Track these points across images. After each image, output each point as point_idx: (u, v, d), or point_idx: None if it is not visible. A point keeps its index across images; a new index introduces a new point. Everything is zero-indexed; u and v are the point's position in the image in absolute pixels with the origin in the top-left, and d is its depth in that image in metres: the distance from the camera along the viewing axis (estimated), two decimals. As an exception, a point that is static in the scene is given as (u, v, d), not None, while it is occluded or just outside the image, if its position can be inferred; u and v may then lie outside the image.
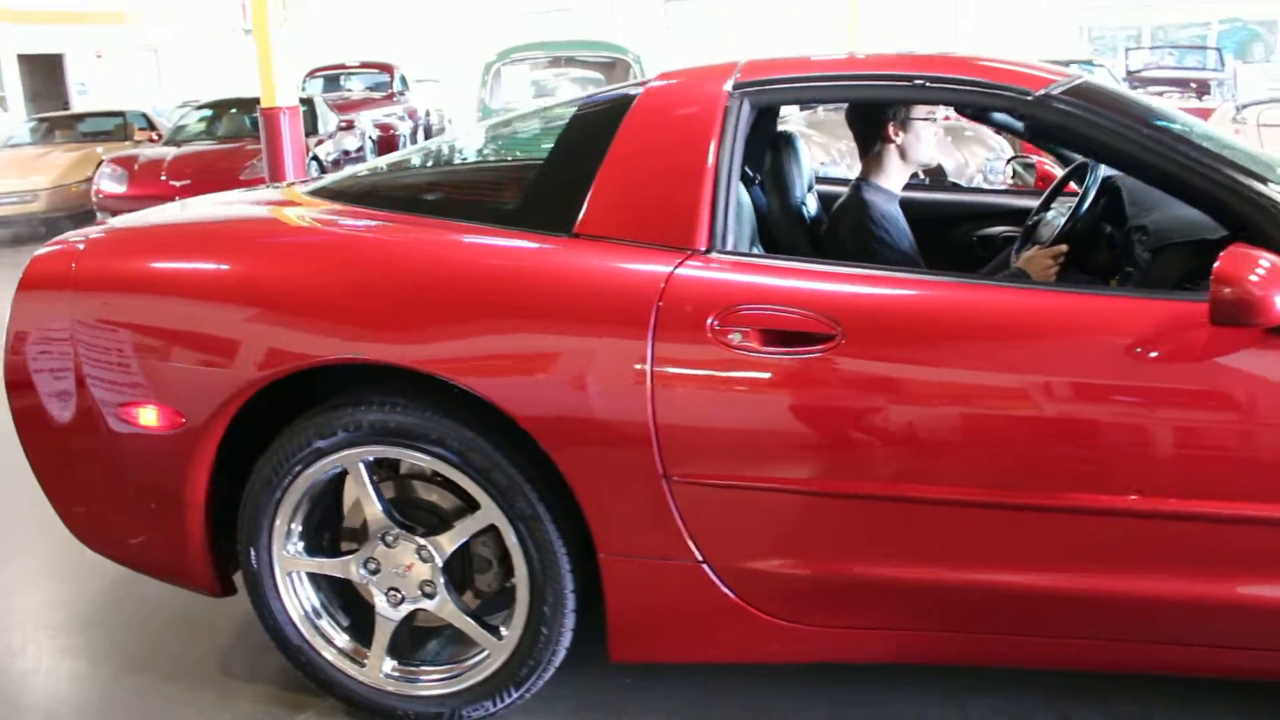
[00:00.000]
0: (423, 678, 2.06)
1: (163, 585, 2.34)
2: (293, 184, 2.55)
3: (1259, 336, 1.63)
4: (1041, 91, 1.90)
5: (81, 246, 2.17)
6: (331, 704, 2.14)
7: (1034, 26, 17.63)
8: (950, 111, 4.08)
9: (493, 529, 1.94)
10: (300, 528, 2.05)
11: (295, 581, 2.08)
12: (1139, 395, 1.68)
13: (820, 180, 3.06)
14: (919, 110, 2.56)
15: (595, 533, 1.86)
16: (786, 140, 2.67)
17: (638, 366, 1.76)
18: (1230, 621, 1.76)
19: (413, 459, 1.94)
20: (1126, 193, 2.45)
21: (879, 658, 1.94)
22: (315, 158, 8.59)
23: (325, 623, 2.08)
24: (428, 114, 14.84)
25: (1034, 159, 3.51)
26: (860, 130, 2.67)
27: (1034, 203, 3.10)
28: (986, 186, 5.61)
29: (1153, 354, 1.66)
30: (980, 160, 6.70)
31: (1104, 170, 2.52)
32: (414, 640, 2.13)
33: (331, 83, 13.76)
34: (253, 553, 2.04)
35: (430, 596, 2.01)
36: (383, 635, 2.04)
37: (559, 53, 8.68)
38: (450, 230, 2.01)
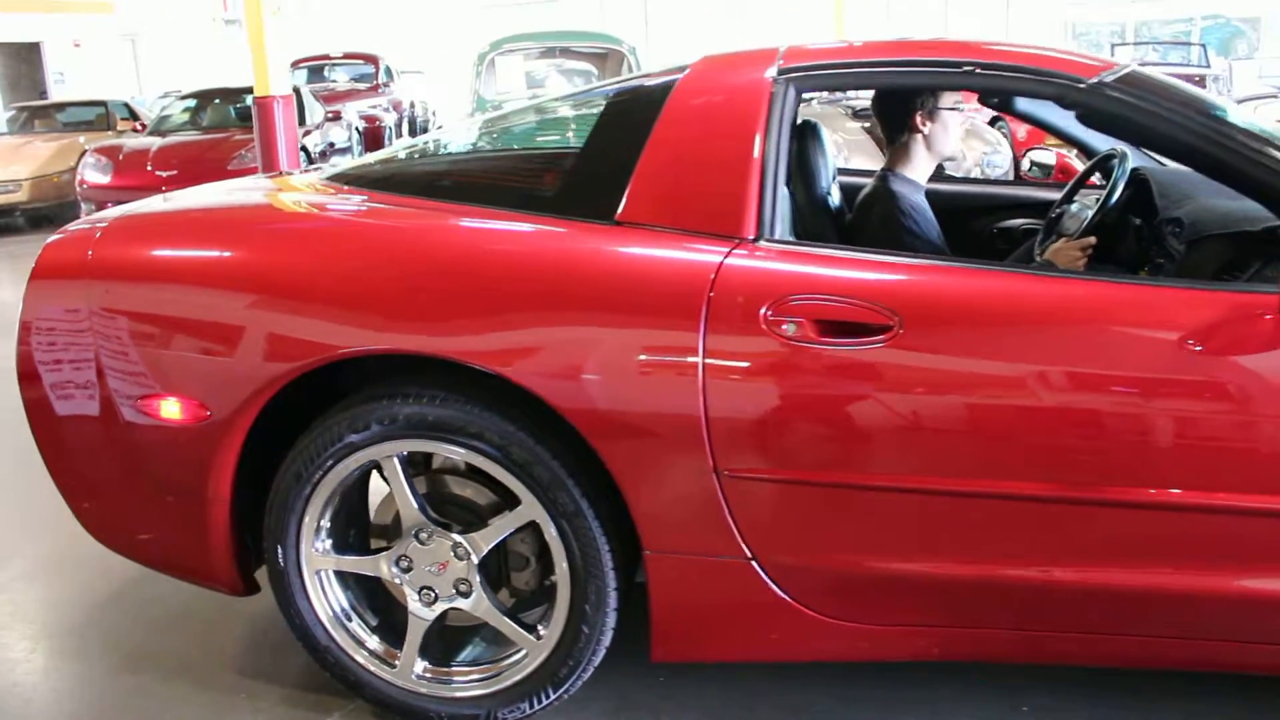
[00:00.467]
0: (456, 678, 2.00)
1: (170, 582, 2.28)
2: (306, 170, 2.48)
3: None
4: (1095, 79, 1.87)
5: (98, 234, 2.09)
6: (360, 705, 2.08)
7: (1019, 23, 17.71)
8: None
9: (531, 525, 1.88)
10: (329, 524, 1.99)
11: (323, 580, 2.01)
12: (1212, 388, 1.64)
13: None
14: (946, 100, 2.53)
15: (641, 529, 1.81)
16: (811, 129, 2.62)
17: (689, 359, 1.71)
18: None
19: (448, 453, 1.87)
20: (1155, 185, 2.43)
21: (929, 655, 1.90)
22: (304, 149, 8.46)
23: (356, 624, 2.02)
24: (412, 106, 14.71)
25: (1053, 150, 3.48)
26: (886, 120, 2.64)
27: (1053, 195, 3.07)
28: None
29: (1232, 346, 1.63)
30: (978, 154, 6.68)
31: (1132, 162, 2.50)
32: (445, 640, 2.07)
33: (315, 74, 13.60)
34: (280, 550, 1.98)
35: (465, 595, 1.95)
36: (415, 635, 1.98)
37: (553, 43, 8.60)
38: (489, 217, 1.95)
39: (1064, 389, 1.67)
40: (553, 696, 1.94)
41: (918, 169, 2.61)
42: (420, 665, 2.00)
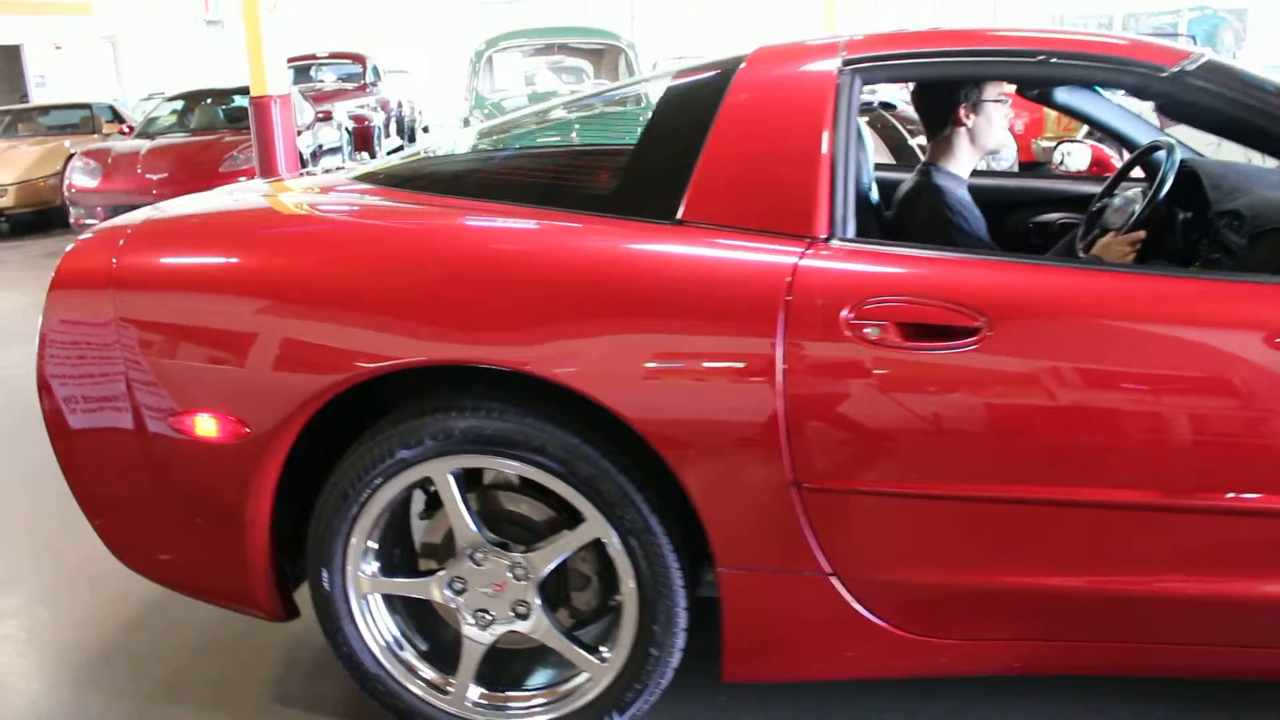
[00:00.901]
0: (513, 704, 1.91)
1: (194, 604, 2.15)
2: (329, 171, 2.37)
3: None
4: (1177, 67, 1.79)
5: (122, 241, 1.98)
6: (410, 734, 1.98)
7: (1008, 15, 17.71)
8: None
9: (593, 542, 1.78)
10: (377, 545, 1.88)
11: (370, 605, 1.91)
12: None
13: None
14: (990, 92, 2.45)
15: (714, 545, 1.71)
16: None
17: (768, 366, 1.62)
18: None
19: (506, 468, 1.77)
20: (1206, 177, 2.35)
21: (1010, 670, 1.81)
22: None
23: (409, 653, 1.91)
24: (399, 105, 14.55)
25: (1085, 142, 3.40)
26: (929, 113, 2.55)
27: (1088, 189, 2.99)
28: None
29: None
30: (983, 149, 6.61)
31: (1181, 154, 2.42)
32: (495, 664, 1.97)
33: (302, 74, 13.38)
34: (325, 574, 1.87)
35: (524, 617, 1.85)
36: (470, 661, 1.88)
37: (550, 39, 8.47)
38: (544, 218, 1.84)
39: (1164, 391, 1.59)
40: (617, 723, 1.84)
41: (961, 163, 2.53)
42: (475, 692, 1.90)
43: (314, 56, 13.76)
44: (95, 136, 10.29)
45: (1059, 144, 3.44)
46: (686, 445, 1.66)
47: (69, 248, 2.02)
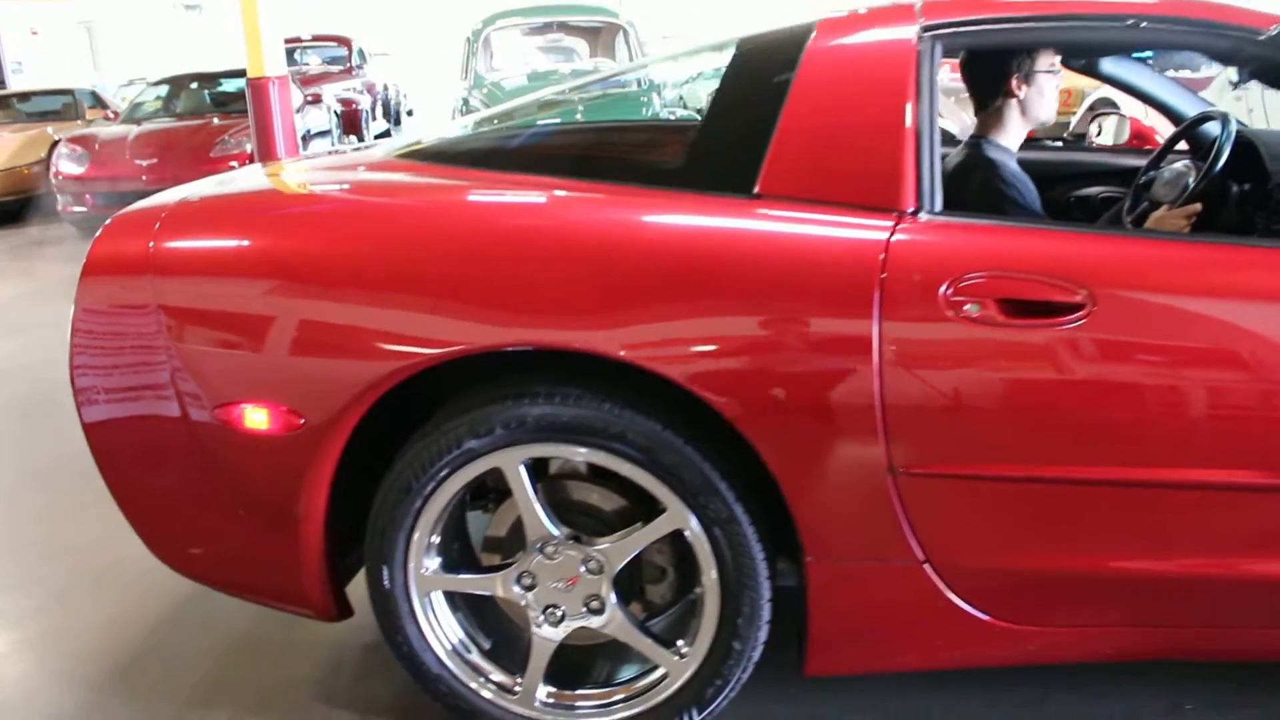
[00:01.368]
0: (581, 704, 1.83)
1: (226, 602, 2.07)
2: (358, 148, 2.26)
3: None
4: (1275, 30, 1.71)
5: (158, 224, 1.87)
6: (472, 736, 1.90)
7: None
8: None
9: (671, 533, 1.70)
10: (439, 540, 1.80)
11: (432, 603, 1.82)
12: None
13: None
14: (1042, 63, 2.37)
15: (804, 535, 1.63)
16: None
17: (864, 347, 1.54)
18: None
19: (580, 457, 1.69)
20: (1264, 148, 2.29)
21: (1102, 656, 1.75)
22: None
23: (476, 655, 1.83)
24: (385, 88, 14.35)
25: (1123, 113, 3.33)
26: (979, 85, 2.46)
27: (1131, 161, 2.92)
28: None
29: None
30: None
31: (1235, 125, 2.36)
32: (560, 662, 1.88)
33: (287, 57, 13.16)
34: (386, 571, 1.78)
35: (597, 612, 1.77)
36: (540, 659, 1.80)
37: (549, 18, 8.33)
38: (617, 194, 1.74)
39: (1275, 367, 1.52)
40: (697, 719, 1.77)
41: (1011, 135, 2.45)
42: (544, 691, 1.82)
43: (299, 39, 13.52)
44: (79, 123, 10.06)
45: (1094, 117, 3.37)
46: (778, 433, 1.58)
47: (99, 232, 1.92)
